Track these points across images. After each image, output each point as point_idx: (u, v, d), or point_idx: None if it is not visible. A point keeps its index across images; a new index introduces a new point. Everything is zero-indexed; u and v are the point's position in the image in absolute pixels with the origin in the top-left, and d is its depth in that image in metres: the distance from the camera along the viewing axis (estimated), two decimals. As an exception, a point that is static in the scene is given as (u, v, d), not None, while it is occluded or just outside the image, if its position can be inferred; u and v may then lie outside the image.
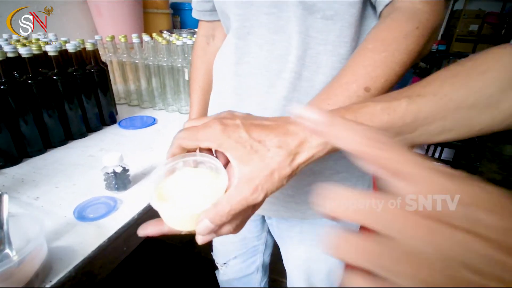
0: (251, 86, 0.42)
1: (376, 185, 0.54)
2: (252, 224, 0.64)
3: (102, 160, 0.55)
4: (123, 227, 0.48)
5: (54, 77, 0.69)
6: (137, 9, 1.40)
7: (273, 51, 0.39)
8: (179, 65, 0.94)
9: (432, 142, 0.28)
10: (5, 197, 0.39)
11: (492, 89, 0.26)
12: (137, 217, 0.50)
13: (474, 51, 5.20)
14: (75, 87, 0.74)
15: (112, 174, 0.54)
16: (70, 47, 0.73)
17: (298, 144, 0.25)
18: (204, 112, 0.65)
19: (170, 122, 0.94)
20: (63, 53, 0.74)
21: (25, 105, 0.64)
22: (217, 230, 0.25)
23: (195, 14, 0.60)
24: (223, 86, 0.48)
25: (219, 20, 0.55)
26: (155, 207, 0.25)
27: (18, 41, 0.79)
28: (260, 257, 0.72)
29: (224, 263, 0.72)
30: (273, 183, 0.24)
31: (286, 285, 0.69)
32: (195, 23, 1.81)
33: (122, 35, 1.01)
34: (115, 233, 0.46)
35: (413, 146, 0.28)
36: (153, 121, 0.91)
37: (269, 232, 0.67)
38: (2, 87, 0.59)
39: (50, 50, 0.67)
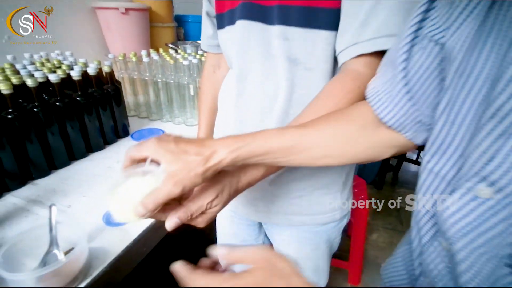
0: (247, 119, 0.52)
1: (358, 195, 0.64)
2: (250, 228, 0.73)
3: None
4: (143, 231, 0.57)
5: (78, 98, 0.78)
6: (144, 23, 1.50)
7: (265, 92, 0.49)
8: (185, 82, 1.03)
9: (316, 165, 0.39)
10: (54, 208, 0.48)
11: (352, 128, 0.38)
12: (155, 223, 0.60)
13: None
14: (95, 105, 0.84)
15: (133, 186, 0.63)
16: (90, 70, 0.83)
17: (211, 153, 0.34)
18: (210, 129, 0.74)
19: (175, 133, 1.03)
20: (83, 74, 0.83)
21: (53, 123, 0.73)
22: (153, 216, 0.35)
23: (204, 47, 0.70)
24: (226, 116, 0.57)
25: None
26: (108, 206, 0.34)
27: (42, 64, 0.88)
28: None
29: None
30: (189, 179, 0.33)
31: None
32: (198, 35, 1.90)
33: (133, 53, 1.10)
34: (138, 236, 0.56)
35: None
36: (162, 134, 1.00)
37: (265, 235, 0.76)
38: (35, 109, 0.69)
39: (74, 75, 0.77)
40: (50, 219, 0.48)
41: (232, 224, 0.73)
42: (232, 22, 0.50)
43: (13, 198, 0.64)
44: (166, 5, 1.65)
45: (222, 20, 0.53)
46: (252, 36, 0.47)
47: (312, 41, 0.43)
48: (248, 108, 0.52)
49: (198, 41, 1.77)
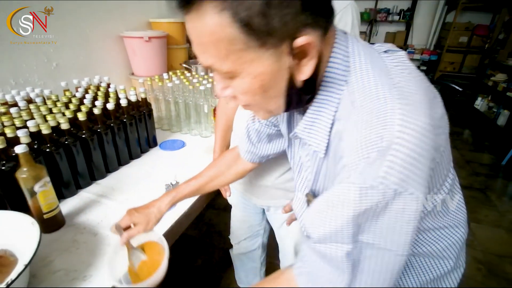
0: None
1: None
2: (256, 215, 1.00)
3: (162, 176, 0.90)
4: (182, 214, 0.83)
5: (124, 120, 1.04)
6: (163, 47, 1.76)
7: None
8: (201, 102, 1.29)
9: (218, 187, 0.78)
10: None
11: (227, 163, 0.78)
12: (187, 210, 0.86)
13: (463, 61, 5.52)
14: (135, 123, 1.10)
15: (170, 184, 0.89)
16: (132, 98, 1.09)
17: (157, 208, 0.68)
18: (225, 144, 1.00)
19: (194, 144, 1.29)
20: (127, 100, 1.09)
21: (109, 139, 0.99)
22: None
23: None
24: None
25: None
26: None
27: (94, 91, 1.14)
28: (261, 238, 1.08)
29: (237, 243, 1.08)
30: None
31: (279, 266, 1.05)
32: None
33: (158, 77, 1.36)
34: (179, 217, 0.82)
35: None
36: (183, 144, 1.27)
37: (267, 220, 1.02)
38: (98, 130, 0.95)
39: (123, 102, 1.03)
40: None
41: (243, 212, 1.00)
42: None
43: (86, 193, 0.91)
44: (180, 29, 1.91)
45: None
46: None
47: None
48: None
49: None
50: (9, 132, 0.75)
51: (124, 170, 1.06)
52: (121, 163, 1.08)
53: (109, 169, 1.02)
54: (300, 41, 0.35)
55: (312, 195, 0.51)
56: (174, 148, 1.23)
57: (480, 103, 4.01)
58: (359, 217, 0.37)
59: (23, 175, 0.67)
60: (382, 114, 0.35)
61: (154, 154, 1.19)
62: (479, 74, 4.68)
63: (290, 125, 0.56)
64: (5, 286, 0.48)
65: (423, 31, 5.94)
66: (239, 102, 0.44)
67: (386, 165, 0.34)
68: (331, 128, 0.43)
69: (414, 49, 5.81)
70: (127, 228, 0.66)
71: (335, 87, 0.42)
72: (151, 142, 1.22)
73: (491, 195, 2.32)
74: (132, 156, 1.12)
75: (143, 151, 1.18)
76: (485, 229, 1.94)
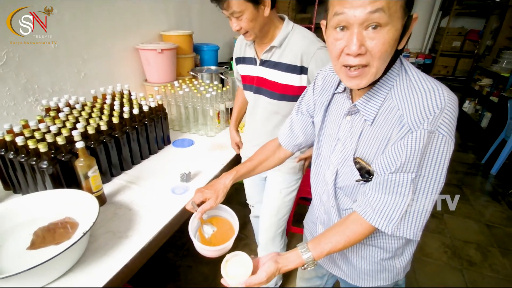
0: (255, 138, 1.08)
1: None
2: (260, 181, 1.33)
3: (175, 168, 1.15)
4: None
5: (146, 122, 1.29)
6: (173, 58, 2.00)
7: (263, 125, 1.05)
8: (207, 108, 1.54)
9: (264, 171, 0.93)
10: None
11: (272, 151, 0.94)
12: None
13: (456, 65, 5.74)
14: (154, 125, 1.35)
15: (184, 174, 1.14)
16: (152, 103, 1.34)
17: (223, 182, 0.85)
18: (237, 121, 1.36)
19: (201, 142, 1.54)
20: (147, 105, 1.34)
21: (135, 137, 1.24)
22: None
23: (239, 85, 1.26)
24: (246, 131, 1.13)
25: None
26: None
27: (120, 99, 1.39)
28: None
29: (252, 205, 1.45)
30: (222, 194, 0.83)
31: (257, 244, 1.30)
32: (211, 60, 2.41)
33: (170, 85, 1.61)
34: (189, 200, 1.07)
35: None
36: (192, 142, 1.52)
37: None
38: (127, 131, 1.20)
39: (145, 109, 1.28)
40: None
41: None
42: (250, 90, 1.07)
43: (118, 180, 1.16)
44: (188, 41, 2.16)
45: (245, 86, 1.11)
46: (259, 101, 1.04)
47: (284, 106, 0.98)
48: (255, 124, 1.11)
49: (211, 67, 2.29)
50: (65, 132, 1.00)
51: (145, 163, 1.31)
52: (142, 157, 1.33)
53: (134, 162, 1.27)
54: (415, 16, 0.53)
55: (361, 159, 0.65)
56: (184, 146, 1.48)
57: (467, 106, 4.24)
58: (422, 153, 0.54)
59: (80, 163, 0.92)
60: (436, 91, 0.55)
61: (168, 151, 1.44)
62: (469, 78, 4.90)
63: (326, 112, 0.75)
64: (82, 235, 0.73)
65: (418, 36, 6.16)
66: (364, 59, 0.53)
67: (442, 118, 0.53)
68: (381, 103, 0.60)
69: (409, 53, 6.02)
70: (200, 204, 0.81)
71: (393, 73, 0.60)
72: (166, 141, 1.47)
73: (466, 190, 2.57)
74: (151, 152, 1.37)
75: (159, 148, 1.43)
76: (456, 219, 2.18)
